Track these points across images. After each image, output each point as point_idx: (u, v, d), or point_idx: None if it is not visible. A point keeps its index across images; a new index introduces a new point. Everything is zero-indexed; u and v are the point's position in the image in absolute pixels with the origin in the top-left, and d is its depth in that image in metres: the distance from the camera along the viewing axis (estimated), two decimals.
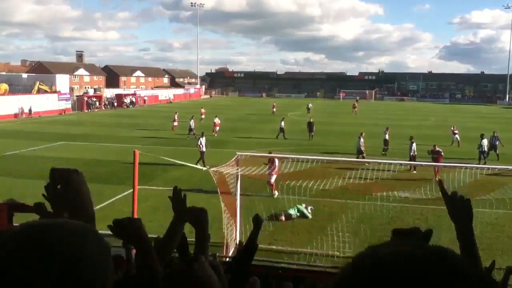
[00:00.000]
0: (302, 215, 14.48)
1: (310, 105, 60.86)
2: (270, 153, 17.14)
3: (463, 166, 11.97)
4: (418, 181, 14.88)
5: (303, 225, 13.80)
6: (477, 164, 22.39)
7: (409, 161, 22.15)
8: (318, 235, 12.92)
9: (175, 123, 37.61)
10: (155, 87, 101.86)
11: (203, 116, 42.90)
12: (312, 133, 33.69)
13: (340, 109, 69.24)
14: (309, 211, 14.71)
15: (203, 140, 22.97)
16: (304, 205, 14.67)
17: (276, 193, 16.40)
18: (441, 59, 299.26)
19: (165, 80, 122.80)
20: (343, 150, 28.01)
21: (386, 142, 27.28)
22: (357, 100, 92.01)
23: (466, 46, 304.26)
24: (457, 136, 31.71)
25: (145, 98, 76.39)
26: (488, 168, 14.37)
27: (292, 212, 14.43)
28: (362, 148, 24.53)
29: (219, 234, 10.84)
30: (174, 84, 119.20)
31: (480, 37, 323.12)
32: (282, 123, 34.29)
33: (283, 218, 14.19)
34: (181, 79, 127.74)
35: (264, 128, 40.39)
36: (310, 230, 13.35)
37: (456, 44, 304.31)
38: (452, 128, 32.83)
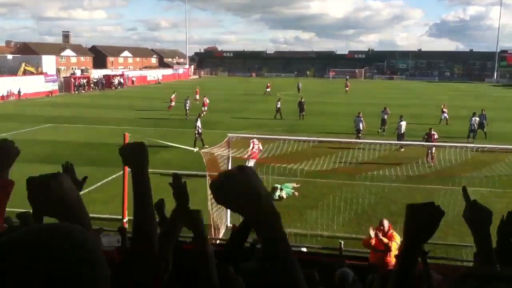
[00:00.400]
0: (288, 194, 14.60)
1: (300, 84, 60.64)
2: (254, 134, 17.10)
3: (453, 146, 12.07)
4: (407, 161, 14.99)
5: (294, 207, 13.88)
6: (466, 142, 22.74)
7: (396, 139, 22.46)
8: (308, 216, 13.04)
9: (172, 103, 37.38)
10: (143, 68, 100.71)
11: (197, 97, 42.57)
12: (303, 113, 33.69)
13: (331, 89, 69.19)
14: (292, 191, 14.82)
15: (199, 122, 22.94)
16: (291, 186, 14.76)
17: None
18: (431, 36, 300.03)
19: (154, 60, 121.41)
20: (335, 130, 28.07)
21: (384, 121, 27.39)
22: (347, 79, 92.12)
23: (456, 23, 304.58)
24: (445, 114, 31.96)
25: (133, 78, 75.59)
26: (478, 147, 14.53)
27: (282, 193, 14.52)
28: (361, 127, 24.88)
29: (206, 216, 10.89)
30: (162, 64, 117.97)
31: (470, 14, 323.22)
32: (279, 104, 34.26)
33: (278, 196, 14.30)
34: (170, 59, 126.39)
35: (255, 108, 40.31)
36: (300, 211, 13.44)
37: (446, 22, 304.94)
38: (442, 107, 33.04)
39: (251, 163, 16.13)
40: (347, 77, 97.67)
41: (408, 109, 37.41)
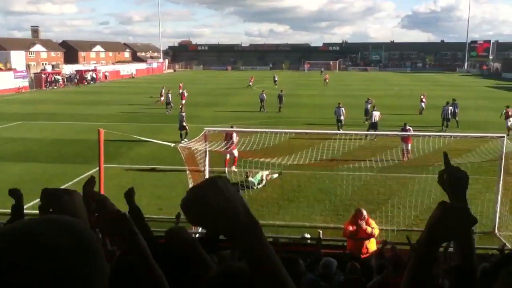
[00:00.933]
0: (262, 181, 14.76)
1: (276, 77, 60.70)
2: (231, 127, 17.20)
3: (426, 135, 12.32)
4: (383, 150, 15.23)
5: (273, 199, 13.96)
6: (440, 130, 23.37)
7: (369, 127, 22.89)
8: (287, 207, 13.14)
9: (162, 98, 36.87)
10: (116, 62, 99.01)
11: (181, 91, 42.17)
12: (281, 106, 33.69)
13: (308, 81, 69.46)
14: (267, 178, 14.96)
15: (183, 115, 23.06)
16: (266, 173, 14.89)
17: (234, 168, 16.06)
18: (403, 28, 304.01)
19: (126, 54, 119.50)
20: (315, 122, 28.27)
21: (367, 111, 27.57)
22: (322, 71, 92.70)
23: (427, 15, 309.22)
24: (423, 104, 32.56)
25: (106, 73, 74.22)
26: (451, 136, 14.86)
27: (255, 180, 14.67)
28: (342, 118, 25.25)
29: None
30: (136, 58, 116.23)
31: (440, 6, 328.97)
32: (264, 95, 34.50)
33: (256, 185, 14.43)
34: (143, 53, 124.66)
35: (232, 102, 40.17)
36: (279, 203, 13.52)
37: (417, 13, 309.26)
38: (421, 97, 33.51)
39: (235, 153, 16.29)
40: (322, 69, 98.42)
41: (384, 99, 37.94)
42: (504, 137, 11.18)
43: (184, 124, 22.62)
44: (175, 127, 23.33)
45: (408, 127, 19.76)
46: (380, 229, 9.29)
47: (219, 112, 33.45)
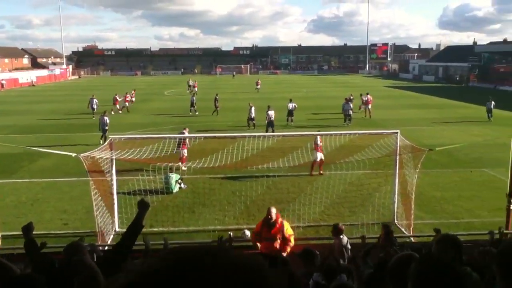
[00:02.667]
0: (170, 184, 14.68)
1: (190, 81, 59.92)
2: (183, 132, 17.26)
3: (329, 133, 12.98)
4: (291, 150, 15.75)
5: (186, 204, 13.83)
6: (343, 125, 24.93)
7: (266, 127, 24.82)
8: (200, 212, 13.10)
9: (133, 99, 37.30)
10: (13, 69, 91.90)
11: (133, 99, 40.03)
12: (217, 109, 33.46)
13: (220, 84, 69.63)
14: (181, 186, 14.92)
15: (107, 119, 23.49)
16: (178, 179, 14.82)
17: (183, 167, 16.30)
18: (309, 32, 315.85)
19: (25, 61, 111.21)
20: (218, 127, 28.38)
21: (290, 112, 28.52)
22: (233, 75, 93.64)
23: (331, 20, 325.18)
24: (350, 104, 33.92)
25: (3, 82, 68.66)
26: (351, 133, 15.78)
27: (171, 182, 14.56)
28: (253, 115, 26.69)
29: (94, 222, 10.43)
30: (36, 65, 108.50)
31: (343, 11, 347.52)
32: (194, 98, 34.93)
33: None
34: (44, 59, 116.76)
35: (143, 108, 39.07)
36: (192, 208, 13.44)
37: (322, 18, 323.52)
38: (362, 97, 34.74)
39: (184, 153, 16.69)
40: (234, 73, 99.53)
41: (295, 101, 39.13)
42: (397, 132, 12.10)
43: (106, 128, 22.89)
44: (82, 137, 22.26)
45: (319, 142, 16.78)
46: (291, 227, 9.50)
47: (127, 119, 32.42)
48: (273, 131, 23.77)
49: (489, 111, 30.64)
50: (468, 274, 3.28)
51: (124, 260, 3.48)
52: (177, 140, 15.28)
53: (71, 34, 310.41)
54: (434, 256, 2.25)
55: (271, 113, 25.14)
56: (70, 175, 16.79)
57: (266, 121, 25.19)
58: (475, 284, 3.23)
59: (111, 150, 10.92)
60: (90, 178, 10.49)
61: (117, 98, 36.49)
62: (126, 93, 38.10)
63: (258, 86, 55.88)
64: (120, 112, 35.59)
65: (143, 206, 3.72)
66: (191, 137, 12.19)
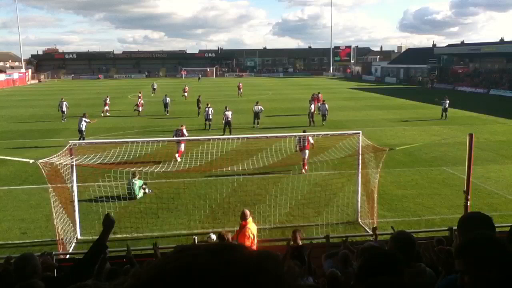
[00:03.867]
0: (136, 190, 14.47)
1: (155, 84, 59.13)
2: (179, 133, 19.44)
3: (292, 135, 13.09)
4: (256, 152, 15.75)
5: (150, 210, 13.61)
6: (308, 127, 25.38)
7: (223, 127, 25.73)
8: (165, 217, 12.92)
9: (106, 107, 36.60)
10: None
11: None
12: (200, 110, 33.42)
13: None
14: (145, 191, 14.73)
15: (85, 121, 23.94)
16: (142, 185, 14.61)
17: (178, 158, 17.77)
18: (274, 35, 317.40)
19: None
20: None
21: (257, 115, 28.83)
22: (199, 78, 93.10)
23: (296, 23, 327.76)
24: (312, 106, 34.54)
25: None
26: (314, 135, 15.96)
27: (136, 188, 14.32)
28: (210, 116, 27.57)
29: (55, 231, 10.12)
30: None
31: (307, 14, 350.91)
32: (168, 99, 35.80)
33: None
34: (1, 63, 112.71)
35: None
36: (157, 213, 13.24)
37: (287, 21, 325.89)
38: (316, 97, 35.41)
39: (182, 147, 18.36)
40: (200, 75, 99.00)
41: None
42: (359, 133, 12.32)
43: (83, 128, 23.61)
44: (42, 142, 21.60)
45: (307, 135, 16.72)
46: (258, 228, 9.51)
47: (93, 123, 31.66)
48: (230, 132, 24.80)
49: (444, 110, 31.90)
50: (421, 269, 3.37)
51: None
52: (175, 134, 19.99)
53: (30, 37, 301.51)
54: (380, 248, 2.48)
55: (229, 113, 25.79)
56: (28, 182, 16.27)
57: (223, 121, 25.77)
58: (429, 278, 3.32)
59: (71, 156, 10.63)
60: (50, 185, 10.17)
61: (107, 101, 36.93)
62: (139, 98, 38.10)
63: (241, 90, 53.01)
64: (108, 114, 35.82)
65: (108, 224, 3.37)
66: (156, 141, 12.00)
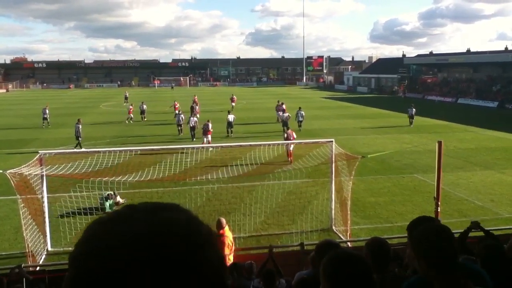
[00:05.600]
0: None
1: (127, 93, 58.50)
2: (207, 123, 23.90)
3: (267, 144, 13.15)
4: (231, 161, 15.74)
5: None
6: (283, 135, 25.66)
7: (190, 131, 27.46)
8: None
9: (177, 105, 37.82)
10: None
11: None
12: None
13: (160, 97, 68.54)
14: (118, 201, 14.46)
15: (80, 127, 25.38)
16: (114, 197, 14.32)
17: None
18: (247, 45, 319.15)
19: None
20: (155, 139, 27.90)
21: (230, 124, 29.07)
22: (172, 87, 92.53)
23: (269, 33, 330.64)
24: (280, 113, 35.00)
25: None
26: (286, 143, 16.06)
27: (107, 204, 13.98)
28: (181, 122, 29.40)
29: (24, 243, 9.83)
30: None
31: (280, 24, 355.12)
32: (144, 106, 37.97)
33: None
34: None
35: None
36: None
37: (260, 31, 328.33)
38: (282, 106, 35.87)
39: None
40: (173, 84, 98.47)
41: (235, 112, 39.30)
42: (332, 141, 12.48)
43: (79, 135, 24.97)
44: (10, 153, 21.00)
45: (290, 131, 22.25)
46: (233, 237, 9.45)
47: (61, 134, 31.03)
48: (192, 136, 27.34)
49: (410, 117, 33.18)
50: (394, 275, 3.43)
51: None
52: (203, 127, 24.55)
53: None
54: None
55: (193, 119, 27.80)
56: None
57: (189, 126, 27.76)
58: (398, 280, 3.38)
59: (40, 166, 10.38)
60: (19, 196, 9.89)
61: (131, 107, 37.84)
62: (175, 102, 39.75)
63: (233, 103, 47.28)
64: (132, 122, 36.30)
65: None
66: (129, 150, 11.85)
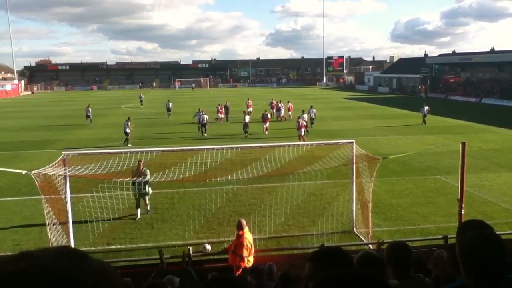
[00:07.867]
0: None
1: (142, 96, 58.62)
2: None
3: (286, 145, 13.06)
4: (251, 162, 15.73)
5: (145, 220, 13.53)
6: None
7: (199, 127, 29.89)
8: (160, 228, 12.85)
9: (221, 115, 38.26)
10: None
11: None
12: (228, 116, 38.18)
13: (180, 98, 69.06)
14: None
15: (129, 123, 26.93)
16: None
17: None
18: (267, 45, 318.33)
19: None
20: (176, 142, 28.09)
21: (246, 125, 29.70)
22: (193, 88, 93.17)
23: (289, 33, 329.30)
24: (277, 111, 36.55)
25: None
26: (307, 144, 15.96)
27: None
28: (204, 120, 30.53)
29: (48, 242, 10.02)
30: None
31: (300, 25, 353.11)
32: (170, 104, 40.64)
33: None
34: None
35: (101, 123, 38.14)
36: (152, 224, 13.17)
37: (280, 31, 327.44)
38: (275, 104, 36.69)
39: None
40: (193, 85, 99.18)
41: (256, 113, 39.39)
42: (352, 142, 12.36)
43: (128, 130, 26.54)
44: (35, 154, 21.46)
45: (301, 119, 27.03)
46: (253, 238, 9.40)
47: (85, 134, 31.56)
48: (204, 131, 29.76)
49: (424, 116, 33.97)
50: (419, 280, 3.36)
51: None
52: (263, 116, 30.86)
53: (23, 48, 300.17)
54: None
55: (247, 117, 30.15)
56: (21, 194, 16.13)
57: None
58: None
59: (64, 167, 10.56)
60: (43, 196, 10.09)
61: (219, 108, 38.48)
62: (249, 101, 42.50)
63: (250, 109, 39.98)
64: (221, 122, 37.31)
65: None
66: (150, 151, 11.96)
